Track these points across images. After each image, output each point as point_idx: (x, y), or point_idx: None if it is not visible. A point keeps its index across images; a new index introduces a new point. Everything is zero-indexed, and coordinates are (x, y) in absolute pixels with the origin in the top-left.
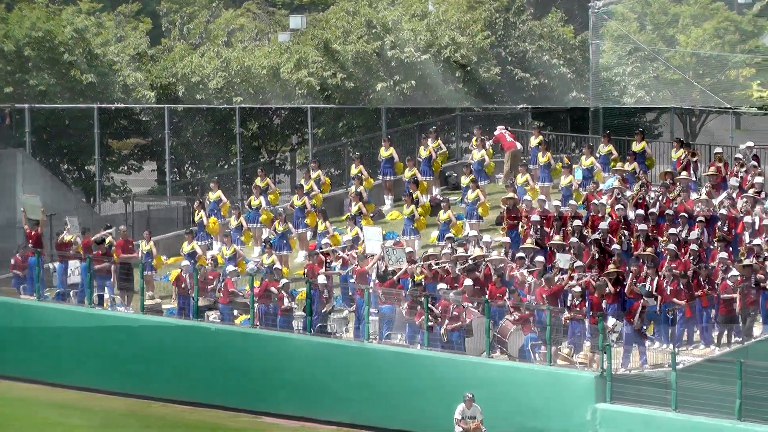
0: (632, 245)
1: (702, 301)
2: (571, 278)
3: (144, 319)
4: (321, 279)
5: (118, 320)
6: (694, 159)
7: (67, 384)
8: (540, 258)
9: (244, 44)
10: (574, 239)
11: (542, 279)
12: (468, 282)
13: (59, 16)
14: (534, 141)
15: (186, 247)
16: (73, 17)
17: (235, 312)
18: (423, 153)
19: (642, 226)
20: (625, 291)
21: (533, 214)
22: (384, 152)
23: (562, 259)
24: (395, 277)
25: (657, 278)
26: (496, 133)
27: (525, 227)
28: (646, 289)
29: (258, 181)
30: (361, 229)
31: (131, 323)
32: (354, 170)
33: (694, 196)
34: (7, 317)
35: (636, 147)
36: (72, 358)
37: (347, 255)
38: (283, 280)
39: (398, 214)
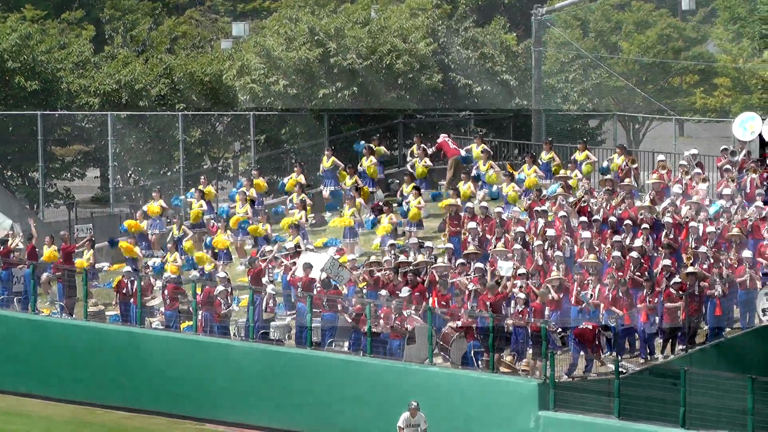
0: (575, 252)
1: (641, 315)
2: (514, 285)
3: (87, 326)
4: (270, 289)
5: (62, 327)
6: (634, 166)
7: (9, 390)
8: (479, 265)
9: (186, 51)
10: (517, 246)
11: (485, 286)
12: (405, 290)
13: (3, 24)
14: (476, 151)
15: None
16: (17, 24)
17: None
18: (365, 162)
19: (585, 234)
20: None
21: (472, 221)
22: (326, 162)
23: (504, 267)
24: (341, 288)
25: (599, 286)
26: (438, 140)
27: (465, 234)
28: (588, 297)
29: (201, 188)
30: (307, 240)
31: (75, 330)
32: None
33: (638, 203)
34: None
35: (579, 156)
36: (14, 365)
37: (289, 262)
38: (219, 288)
39: (339, 220)
